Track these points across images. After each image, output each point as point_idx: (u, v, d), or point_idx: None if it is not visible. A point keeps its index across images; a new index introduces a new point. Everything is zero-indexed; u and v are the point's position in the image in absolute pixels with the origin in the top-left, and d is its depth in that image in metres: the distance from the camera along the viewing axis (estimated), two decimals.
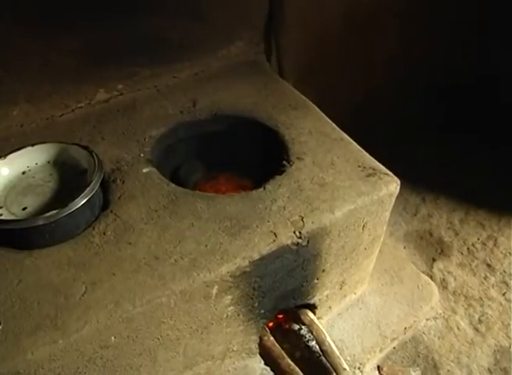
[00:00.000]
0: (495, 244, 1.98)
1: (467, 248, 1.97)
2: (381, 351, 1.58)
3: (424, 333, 1.68)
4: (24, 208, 1.19)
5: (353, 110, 2.02)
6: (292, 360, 1.43)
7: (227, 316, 1.27)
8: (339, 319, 1.60)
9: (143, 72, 1.63)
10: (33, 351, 0.97)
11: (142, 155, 1.40)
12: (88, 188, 1.17)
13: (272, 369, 1.46)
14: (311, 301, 1.48)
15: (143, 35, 1.56)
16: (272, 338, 1.47)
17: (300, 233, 1.21)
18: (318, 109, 1.59)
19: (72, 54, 1.48)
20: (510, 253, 1.94)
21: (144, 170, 1.35)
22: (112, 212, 1.23)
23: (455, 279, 1.85)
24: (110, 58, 1.55)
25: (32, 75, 1.46)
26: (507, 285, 1.83)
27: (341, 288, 1.54)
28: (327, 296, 1.51)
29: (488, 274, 1.87)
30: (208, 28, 1.68)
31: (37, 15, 1.37)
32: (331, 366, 1.40)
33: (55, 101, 1.53)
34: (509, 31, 2.34)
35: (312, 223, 1.23)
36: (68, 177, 1.27)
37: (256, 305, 1.31)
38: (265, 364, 1.47)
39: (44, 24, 1.39)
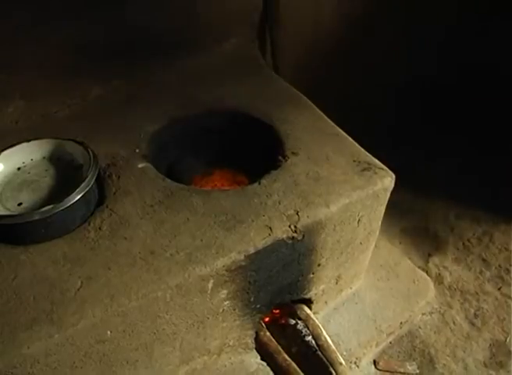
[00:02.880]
0: (490, 240, 1.98)
1: (463, 244, 1.97)
2: (377, 345, 1.59)
3: (420, 327, 1.68)
4: (20, 204, 1.19)
5: (349, 105, 2.02)
6: (288, 355, 1.43)
7: (223, 310, 1.27)
8: (336, 314, 1.60)
9: (138, 68, 1.63)
10: (29, 345, 0.97)
11: (137, 150, 1.40)
12: (83, 183, 1.17)
13: (268, 365, 1.46)
14: (307, 296, 1.48)
15: (138, 31, 1.56)
16: (268, 333, 1.47)
17: (295, 227, 1.21)
18: (312, 105, 1.59)
19: (67, 50, 1.48)
20: (505, 248, 1.94)
21: (140, 166, 1.35)
22: (107, 207, 1.23)
23: (450, 274, 1.86)
24: (105, 55, 1.54)
25: (27, 72, 1.45)
26: (503, 280, 1.83)
27: (337, 283, 1.54)
28: (323, 291, 1.51)
29: (483, 269, 1.87)
30: (203, 24, 1.68)
31: (32, 12, 1.37)
32: (327, 360, 1.40)
33: (50, 98, 1.53)
34: (502, 29, 2.35)
35: (307, 217, 1.23)
36: (63, 173, 1.27)
37: (252, 299, 1.31)
38: (262, 359, 1.47)
39: (38, 21, 1.39)
